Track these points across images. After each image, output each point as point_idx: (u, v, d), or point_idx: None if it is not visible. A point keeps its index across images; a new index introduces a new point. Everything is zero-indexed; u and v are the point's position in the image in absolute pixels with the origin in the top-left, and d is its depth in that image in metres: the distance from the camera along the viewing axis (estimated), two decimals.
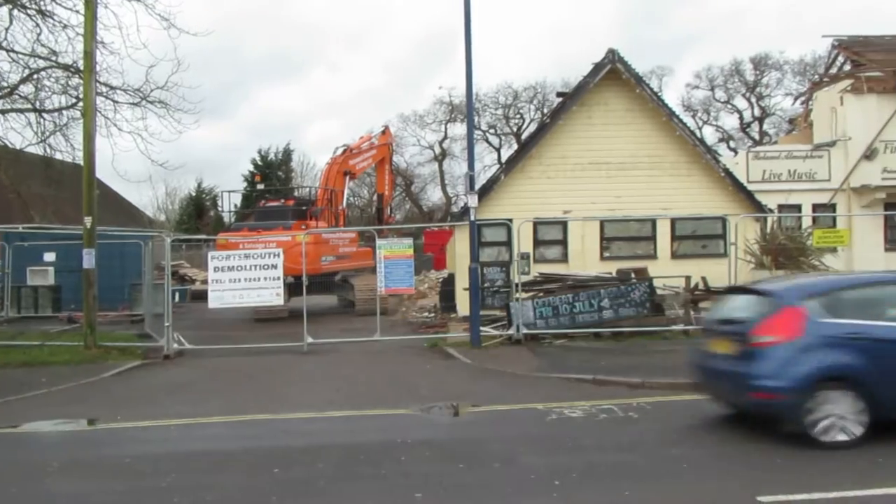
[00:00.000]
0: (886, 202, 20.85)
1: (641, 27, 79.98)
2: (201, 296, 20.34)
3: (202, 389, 11.34)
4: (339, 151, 24.78)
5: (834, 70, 24.87)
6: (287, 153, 55.24)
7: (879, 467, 6.59)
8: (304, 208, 22.49)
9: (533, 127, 44.84)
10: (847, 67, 23.78)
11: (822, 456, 6.95)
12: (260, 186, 31.22)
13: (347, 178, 25.05)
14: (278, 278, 14.80)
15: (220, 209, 35.44)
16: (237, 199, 33.69)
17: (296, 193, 35.01)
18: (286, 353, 14.44)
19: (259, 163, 52.31)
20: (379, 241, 15.38)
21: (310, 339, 14.67)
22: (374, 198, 32.63)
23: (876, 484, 6.09)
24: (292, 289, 19.40)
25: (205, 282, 18.81)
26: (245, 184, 47.43)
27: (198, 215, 51.49)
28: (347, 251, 23.38)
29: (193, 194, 53.89)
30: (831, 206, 21.07)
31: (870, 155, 20.91)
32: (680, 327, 14.75)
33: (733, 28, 76.57)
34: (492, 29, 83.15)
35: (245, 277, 14.70)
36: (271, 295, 14.86)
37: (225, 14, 75.95)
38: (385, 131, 28.38)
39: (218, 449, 7.89)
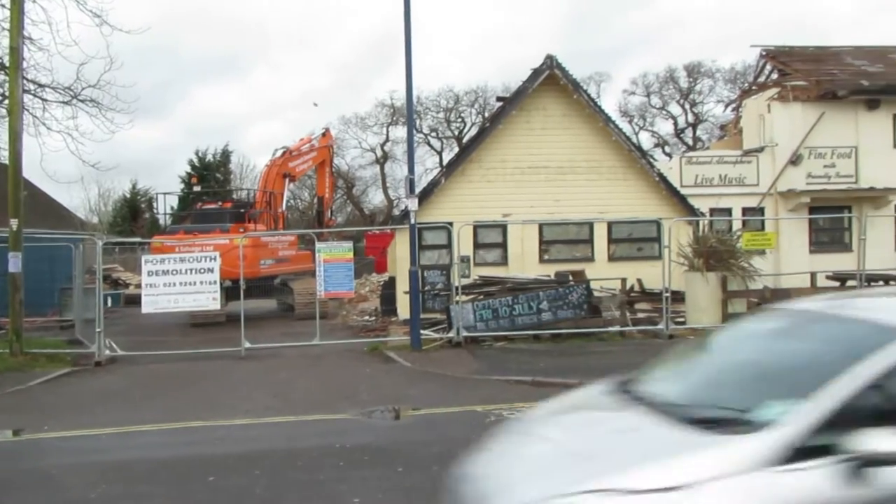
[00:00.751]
0: (811, 206, 21.66)
1: (584, 33, 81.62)
2: (135, 300, 19.81)
3: (135, 397, 11.06)
4: (279, 153, 24.51)
5: (762, 79, 25.74)
6: (225, 154, 54.32)
7: None
8: (242, 211, 22.17)
9: (474, 131, 45.19)
10: (774, 76, 24.64)
11: None
12: (197, 188, 30.66)
13: (287, 180, 24.81)
14: (215, 282, 14.55)
15: (155, 211, 34.74)
16: (173, 202, 33.08)
17: (234, 196, 34.48)
18: (223, 358, 14.19)
19: (196, 164, 51.27)
20: (318, 245, 15.27)
21: (248, 344, 14.46)
22: (315, 200, 32.32)
23: None
24: (230, 293, 19.10)
25: (139, 286, 18.35)
26: (182, 185, 46.42)
27: (132, 218, 50.17)
28: (287, 254, 23.13)
29: (128, 196, 52.52)
30: (760, 210, 21.78)
31: (795, 161, 21.72)
32: (616, 328, 15.07)
33: (672, 36, 78.77)
34: (436, 33, 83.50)
35: (181, 281, 14.40)
36: (208, 299, 14.60)
37: (162, 11, 74.20)
38: (326, 133, 28.20)
39: (151, 458, 7.71)
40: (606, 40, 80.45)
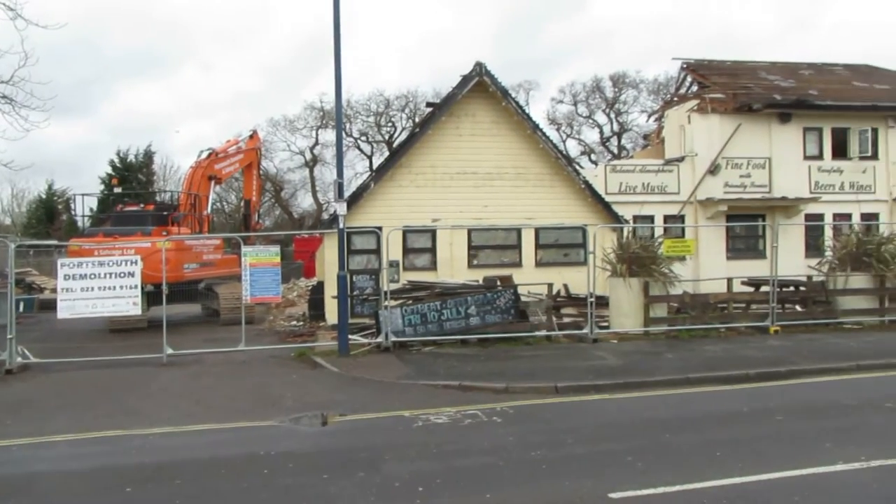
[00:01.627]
0: (728, 214, 22.52)
1: (518, 40, 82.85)
2: (50, 306, 19.02)
3: (49, 406, 10.62)
4: (204, 155, 23.96)
5: (683, 90, 26.64)
6: (148, 155, 52.68)
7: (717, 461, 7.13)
8: (165, 213, 21.56)
9: (405, 136, 45.21)
10: (694, 89, 25.54)
11: (672, 451, 7.44)
12: (117, 190, 29.71)
13: (213, 182, 24.26)
14: (135, 287, 14.11)
15: (73, 213, 33.31)
16: (93, 203, 31.87)
17: (157, 198, 33.55)
18: (144, 365, 13.77)
19: (117, 165, 49.55)
20: (245, 249, 15.00)
21: (170, 350, 14.08)
22: (242, 203, 31.73)
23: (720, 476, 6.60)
24: (152, 298, 18.60)
25: (55, 290, 17.62)
26: (102, 187, 44.83)
27: (48, 219, 48.12)
28: (212, 258, 22.62)
29: (44, 197, 50.37)
30: (680, 218, 22.51)
31: (713, 170, 22.55)
32: (543, 333, 15.32)
33: (602, 46, 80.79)
34: (370, 37, 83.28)
35: (99, 286, 13.93)
36: (128, 304, 14.15)
37: (84, 7, 71.67)
38: (253, 135, 27.71)
39: (64, 469, 7.44)
40: (539, 49, 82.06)
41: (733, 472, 6.71)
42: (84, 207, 23.82)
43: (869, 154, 23.74)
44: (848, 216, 22.88)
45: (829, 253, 18.17)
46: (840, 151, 23.80)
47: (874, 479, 6.45)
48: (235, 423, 9.23)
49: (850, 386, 10.98)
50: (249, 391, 11.40)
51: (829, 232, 21.14)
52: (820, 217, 22.82)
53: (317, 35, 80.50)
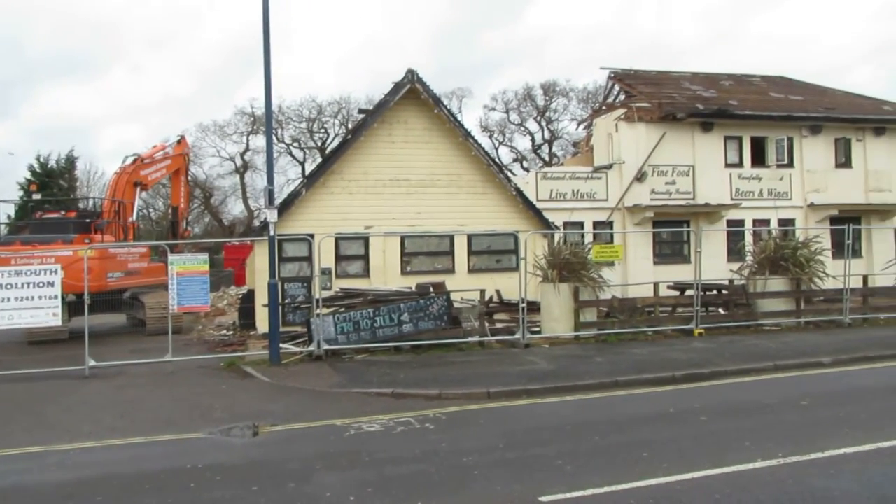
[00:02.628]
0: (655, 220, 23.16)
1: (455, 47, 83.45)
2: None
3: None
4: (130, 161, 23.31)
5: (611, 99, 27.30)
6: (70, 160, 50.71)
7: (644, 461, 7.30)
8: (87, 221, 20.86)
9: (337, 142, 44.92)
10: (622, 98, 26.20)
11: (601, 453, 7.59)
12: (36, 196, 28.45)
13: (138, 189, 23.62)
14: (56, 297, 13.60)
15: None
16: (10, 210, 30.63)
17: (79, 205, 32.43)
18: (64, 377, 13.27)
19: (37, 170, 47.59)
20: (171, 257, 14.62)
21: (92, 362, 13.61)
22: (169, 210, 30.93)
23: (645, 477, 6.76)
24: (74, 308, 17.94)
25: None
26: (21, 193, 42.98)
27: None
28: (138, 267, 21.96)
29: None
30: (609, 224, 23.03)
31: (640, 177, 23.17)
32: (476, 339, 15.41)
33: (536, 54, 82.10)
34: (308, 43, 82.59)
35: (16, 296, 13.37)
36: (47, 315, 13.61)
37: (4, 5, 68.72)
38: (181, 141, 27.07)
39: None
40: (476, 55, 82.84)
41: (659, 472, 6.88)
42: (0, 214, 22.85)
43: (785, 162, 24.79)
44: (767, 222, 23.83)
45: (749, 257, 18.87)
46: (759, 159, 24.77)
47: (789, 476, 6.72)
48: (162, 436, 8.99)
49: (769, 385, 11.41)
50: (177, 403, 11.12)
51: (749, 237, 21.94)
52: (741, 223, 23.70)
53: (249, 39, 79.42)
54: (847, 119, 25.33)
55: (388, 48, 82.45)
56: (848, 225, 18.27)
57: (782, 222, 23.71)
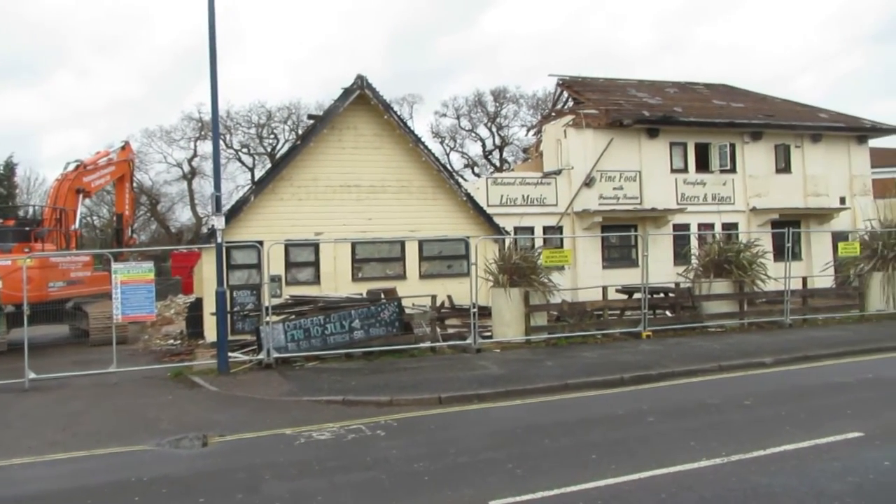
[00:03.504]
0: (603, 225, 23.52)
1: (410, 52, 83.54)
2: None
3: None
4: (72, 167, 22.70)
5: (560, 106, 27.65)
6: (10, 166, 49.35)
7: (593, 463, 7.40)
8: (27, 229, 20.27)
9: (287, 148, 44.52)
10: (570, 104, 26.56)
11: (551, 455, 7.66)
12: None
13: (81, 196, 23.01)
14: None
15: None
16: None
17: (19, 212, 31.49)
18: (3, 391, 12.80)
19: None
20: (115, 265, 14.28)
21: (32, 375, 13.19)
22: (114, 218, 30.22)
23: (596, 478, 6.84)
24: (13, 319, 17.41)
25: None
26: None
27: None
28: (80, 276, 21.39)
29: None
30: (559, 229, 23.30)
31: (589, 183, 23.50)
32: (427, 344, 15.43)
33: (490, 61, 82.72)
34: (262, 48, 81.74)
35: None
36: None
37: None
38: (125, 147, 26.50)
39: None
40: (431, 61, 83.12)
41: (608, 473, 6.98)
42: None
43: (728, 168, 25.44)
44: (711, 226, 24.38)
45: (694, 261, 19.28)
46: (703, 165, 25.37)
47: (733, 473, 6.88)
48: (106, 449, 8.77)
49: (714, 386, 11.68)
50: (122, 415, 10.86)
51: (694, 241, 22.43)
52: (686, 227, 24.21)
53: (200, 42, 77.84)
54: (786, 126, 26.13)
55: (342, 54, 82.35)
56: (788, 228, 18.83)
57: (726, 226, 24.28)
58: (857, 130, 27.52)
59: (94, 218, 52.67)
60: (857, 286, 19.52)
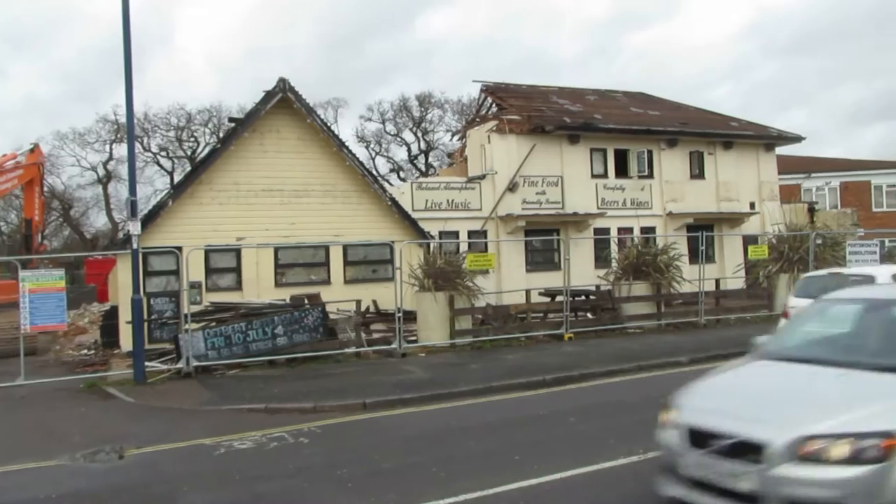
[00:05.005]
0: (527, 229, 23.87)
1: (345, 55, 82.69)
2: None
3: None
4: None
5: (484, 112, 27.94)
6: None
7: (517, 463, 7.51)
8: None
9: (208, 151, 43.45)
10: (494, 110, 26.88)
11: (475, 458, 7.73)
12: None
13: None
14: None
15: None
16: None
17: None
18: None
19: None
20: (23, 273, 13.66)
21: None
22: (23, 223, 28.85)
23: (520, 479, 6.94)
24: None
25: None
26: None
27: None
28: None
29: None
30: (483, 233, 23.52)
31: (512, 188, 23.82)
32: (352, 350, 15.31)
33: (423, 65, 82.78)
34: (194, 49, 79.48)
35: None
36: None
37: None
38: (35, 149, 25.27)
39: None
40: (366, 64, 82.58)
41: (531, 474, 7.08)
42: None
43: (646, 173, 26.22)
44: (630, 230, 25.05)
45: (614, 264, 19.77)
46: (622, 171, 26.06)
47: (648, 469, 7.09)
48: (13, 465, 8.35)
49: (633, 385, 12.02)
50: (31, 429, 10.40)
51: (614, 245, 22.99)
52: (606, 231, 24.77)
53: (119, 42, 74.84)
54: (699, 133, 27.12)
55: (276, 56, 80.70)
56: (702, 232, 19.53)
57: (644, 230, 24.99)
58: (765, 138, 28.80)
59: (2, 224, 50.23)
60: (766, 287, 20.42)
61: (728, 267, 25.42)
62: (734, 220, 27.41)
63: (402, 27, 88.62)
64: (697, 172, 27.30)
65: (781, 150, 30.53)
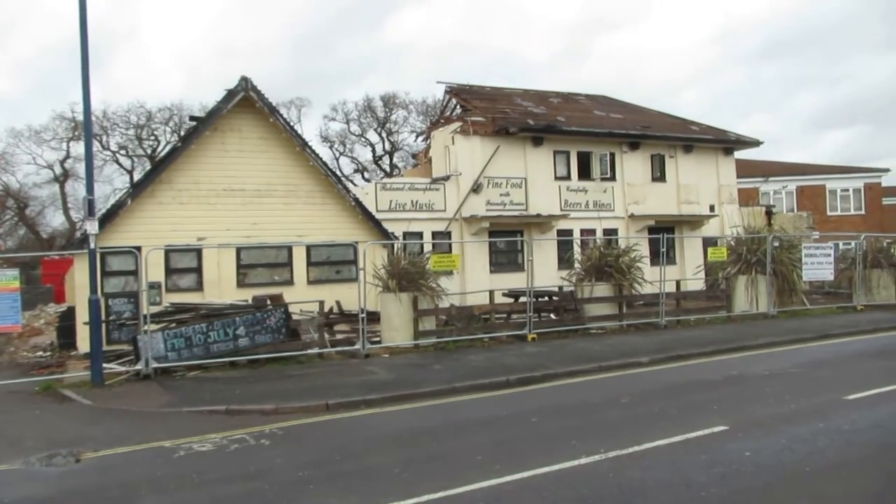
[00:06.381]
0: (490, 230, 23.98)
1: (315, 54, 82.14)
2: None
3: None
4: None
5: (448, 113, 28.00)
6: None
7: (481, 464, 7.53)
8: None
9: (168, 150, 42.80)
10: (458, 111, 26.95)
11: (438, 459, 7.73)
12: None
13: None
14: None
15: None
16: None
17: None
18: None
19: None
20: None
21: None
22: None
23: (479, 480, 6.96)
24: None
25: None
26: None
27: None
28: None
29: None
30: (447, 234, 23.57)
31: (476, 189, 23.92)
32: (315, 351, 15.19)
33: (393, 66, 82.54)
34: (161, 47, 78.15)
35: None
36: None
37: None
38: None
39: None
40: (336, 64, 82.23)
41: (492, 474, 7.10)
42: None
43: (608, 176, 26.53)
44: (593, 231, 25.35)
45: (577, 265, 19.95)
46: (585, 173, 26.34)
47: (610, 469, 7.18)
48: None
49: (595, 386, 12.14)
50: None
51: (577, 246, 23.21)
52: (569, 232, 25.04)
53: (91, 36, 73.32)
54: (660, 137, 27.54)
55: (245, 55, 79.81)
56: (663, 234, 19.81)
57: (606, 232, 25.30)
58: (724, 143, 29.36)
59: None
60: (725, 289, 20.79)
61: (688, 268, 25.83)
62: (694, 222, 27.86)
63: (373, 28, 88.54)
64: (659, 175, 27.70)
65: (742, 153, 31.15)
